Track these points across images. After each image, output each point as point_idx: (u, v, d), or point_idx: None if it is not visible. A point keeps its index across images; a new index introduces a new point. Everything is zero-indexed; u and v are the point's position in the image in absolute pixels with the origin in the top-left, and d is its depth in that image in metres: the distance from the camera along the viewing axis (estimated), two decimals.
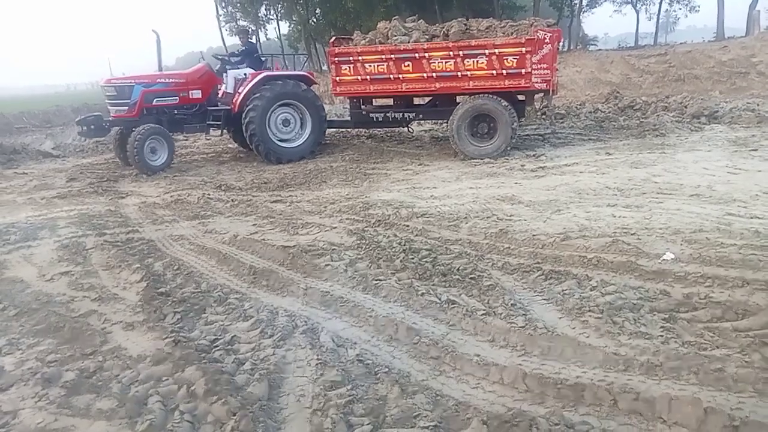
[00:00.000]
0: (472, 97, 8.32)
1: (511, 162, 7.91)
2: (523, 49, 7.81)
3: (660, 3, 33.97)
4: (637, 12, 35.68)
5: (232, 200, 6.64)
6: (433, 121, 11.33)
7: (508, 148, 8.32)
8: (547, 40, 7.76)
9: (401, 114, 9.24)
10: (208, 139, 11.66)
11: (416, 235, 4.73)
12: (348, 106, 10.52)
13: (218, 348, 2.95)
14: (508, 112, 8.13)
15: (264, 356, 2.83)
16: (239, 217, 5.84)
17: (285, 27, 39.69)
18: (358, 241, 4.58)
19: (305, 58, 10.59)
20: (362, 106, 9.65)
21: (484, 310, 3.19)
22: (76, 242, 5.09)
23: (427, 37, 8.63)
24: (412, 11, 27.45)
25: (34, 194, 7.35)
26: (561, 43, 8.74)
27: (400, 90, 8.69)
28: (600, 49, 29.26)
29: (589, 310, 3.04)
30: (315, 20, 33.92)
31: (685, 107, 10.74)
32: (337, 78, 8.86)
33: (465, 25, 8.63)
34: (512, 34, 8.26)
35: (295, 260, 4.23)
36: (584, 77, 20.11)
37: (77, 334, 3.25)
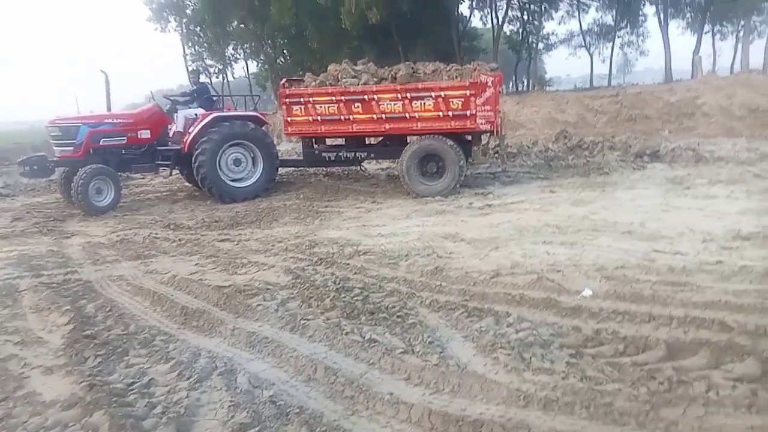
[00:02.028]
0: (420, 137, 8.60)
1: (461, 200, 8.11)
2: (468, 92, 8.15)
3: (612, 47, 35.80)
4: (591, 55, 37.49)
5: (180, 239, 6.61)
6: (385, 160, 11.58)
7: (458, 186, 8.54)
8: (489, 84, 8.16)
9: (353, 153, 9.45)
10: (165, 178, 11.61)
11: (354, 273, 4.80)
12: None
13: (134, 391, 2.93)
14: (455, 151, 8.41)
15: (177, 399, 2.83)
16: (183, 257, 5.82)
17: (253, 66, 40.29)
18: (294, 280, 4.62)
19: (257, 99, 10.74)
20: (314, 146, 9.82)
21: (403, 348, 3.26)
22: (9, 284, 4.99)
23: (376, 79, 8.93)
24: (376, 52, 28.25)
25: None
26: (502, 86, 9.15)
27: (350, 131, 8.93)
28: (557, 90, 30.42)
29: (501, 347, 3.14)
30: (282, 60, 34.50)
31: (630, 146, 11.23)
32: (289, 118, 9.04)
33: (412, 68, 8.96)
34: (457, 77, 8.60)
35: (229, 300, 4.25)
36: (542, 117, 20.82)
37: None
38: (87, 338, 3.68)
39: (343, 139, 9.88)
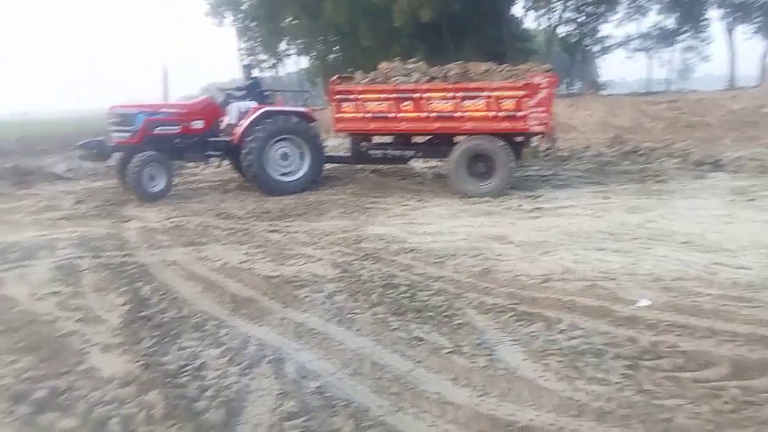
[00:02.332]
0: (471, 137, 8.52)
1: (509, 201, 7.98)
2: (521, 93, 8.03)
3: (672, 52, 34.44)
4: (650, 59, 36.15)
5: (230, 228, 6.76)
6: (432, 159, 11.49)
7: (506, 188, 8.42)
8: (543, 85, 7.99)
9: (400, 152, 9.42)
10: (216, 168, 11.90)
11: (401, 270, 4.79)
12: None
13: (186, 373, 3.02)
14: (505, 152, 8.30)
15: (228, 384, 2.89)
16: (233, 246, 5.94)
17: (304, 62, 40.84)
18: (341, 274, 4.66)
19: (307, 95, 10.74)
20: (361, 143, 9.80)
21: (450, 348, 3.22)
22: (72, 263, 5.23)
23: (426, 78, 8.88)
24: (427, 51, 28.11)
25: (40, 215, 7.57)
26: (557, 88, 8.99)
27: (399, 129, 8.91)
28: (611, 94, 29.53)
29: (552, 353, 3.06)
30: (333, 57, 34.83)
31: (689, 154, 10.78)
32: (338, 115, 9.06)
33: (463, 67, 8.89)
34: (510, 78, 8.47)
35: (278, 290, 4.32)
36: (595, 120, 20.23)
37: (55, 354, 3.34)
38: (142, 319, 3.81)
39: (391, 137, 9.86)
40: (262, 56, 39.88)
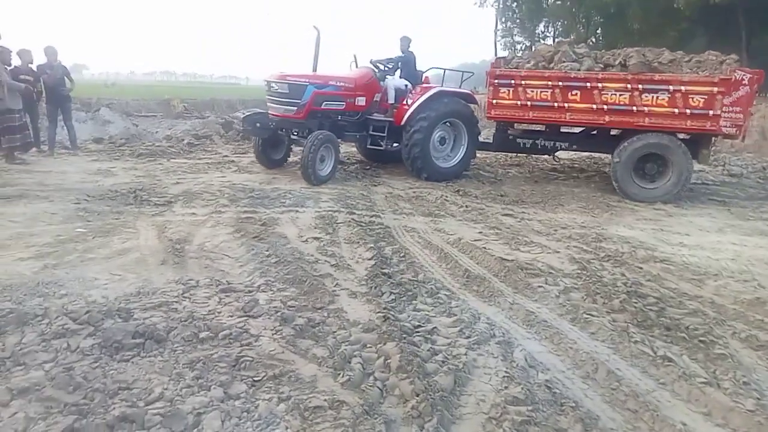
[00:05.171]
0: (646, 133, 7.59)
1: None
2: (715, 89, 6.96)
3: None
4: None
5: (466, 206, 6.93)
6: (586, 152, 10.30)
7: (681, 193, 7.64)
8: (745, 82, 6.82)
9: (552, 142, 8.63)
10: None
11: (648, 280, 4.32)
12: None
13: (419, 334, 3.19)
14: (685, 153, 7.42)
15: (457, 353, 2.97)
16: (468, 223, 6.07)
17: None
18: (579, 271, 4.39)
19: (468, 76, 9.62)
20: (508, 130, 9.12)
21: (705, 378, 2.79)
22: (331, 215, 5.95)
23: (600, 65, 7.97)
24: (710, 37, 24.27)
25: None
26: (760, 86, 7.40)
27: (562, 120, 8.10)
28: None
29: None
30: (594, 40, 32.53)
31: None
32: (494, 101, 8.39)
33: (644, 56, 7.76)
34: (704, 71, 7.34)
35: (510, 274, 4.27)
36: None
37: (313, 290, 3.84)
38: (384, 275, 4.14)
39: (541, 126, 8.99)
40: (518, 38, 39.23)
